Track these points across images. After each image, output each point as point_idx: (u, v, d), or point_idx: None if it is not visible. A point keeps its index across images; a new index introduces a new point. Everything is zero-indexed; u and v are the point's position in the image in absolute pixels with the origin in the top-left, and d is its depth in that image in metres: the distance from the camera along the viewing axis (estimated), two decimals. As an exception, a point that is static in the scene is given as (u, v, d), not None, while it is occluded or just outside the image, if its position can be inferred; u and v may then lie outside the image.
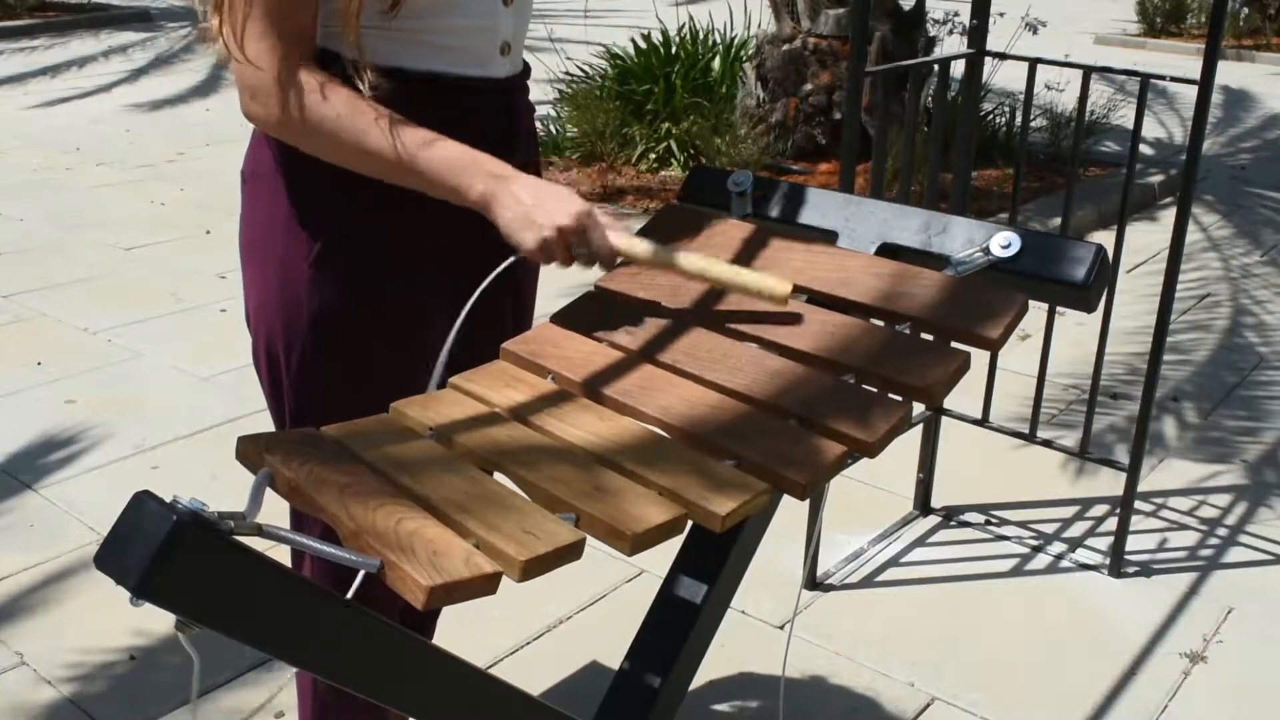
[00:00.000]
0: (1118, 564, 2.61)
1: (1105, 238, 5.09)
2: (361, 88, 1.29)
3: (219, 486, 2.88)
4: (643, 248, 1.30)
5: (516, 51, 1.44)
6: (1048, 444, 2.71)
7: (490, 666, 2.24)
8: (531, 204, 1.26)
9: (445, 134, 1.37)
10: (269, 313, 1.42)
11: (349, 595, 0.98)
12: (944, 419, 2.93)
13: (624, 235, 1.30)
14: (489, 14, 1.37)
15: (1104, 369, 3.63)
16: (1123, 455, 3.12)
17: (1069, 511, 2.88)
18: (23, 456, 3.00)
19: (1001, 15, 6.39)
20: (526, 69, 1.49)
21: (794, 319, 1.33)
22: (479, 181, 1.28)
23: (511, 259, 1.34)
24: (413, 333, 1.45)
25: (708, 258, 1.30)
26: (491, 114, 1.42)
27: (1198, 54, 10.52)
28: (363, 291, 1.40)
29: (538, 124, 1.62)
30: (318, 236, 1.39)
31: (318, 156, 1.31)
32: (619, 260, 1.31)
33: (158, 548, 0.83)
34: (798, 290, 1.37)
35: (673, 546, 1.30)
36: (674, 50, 6.08)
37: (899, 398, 1.21)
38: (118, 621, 2.35)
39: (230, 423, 3.22)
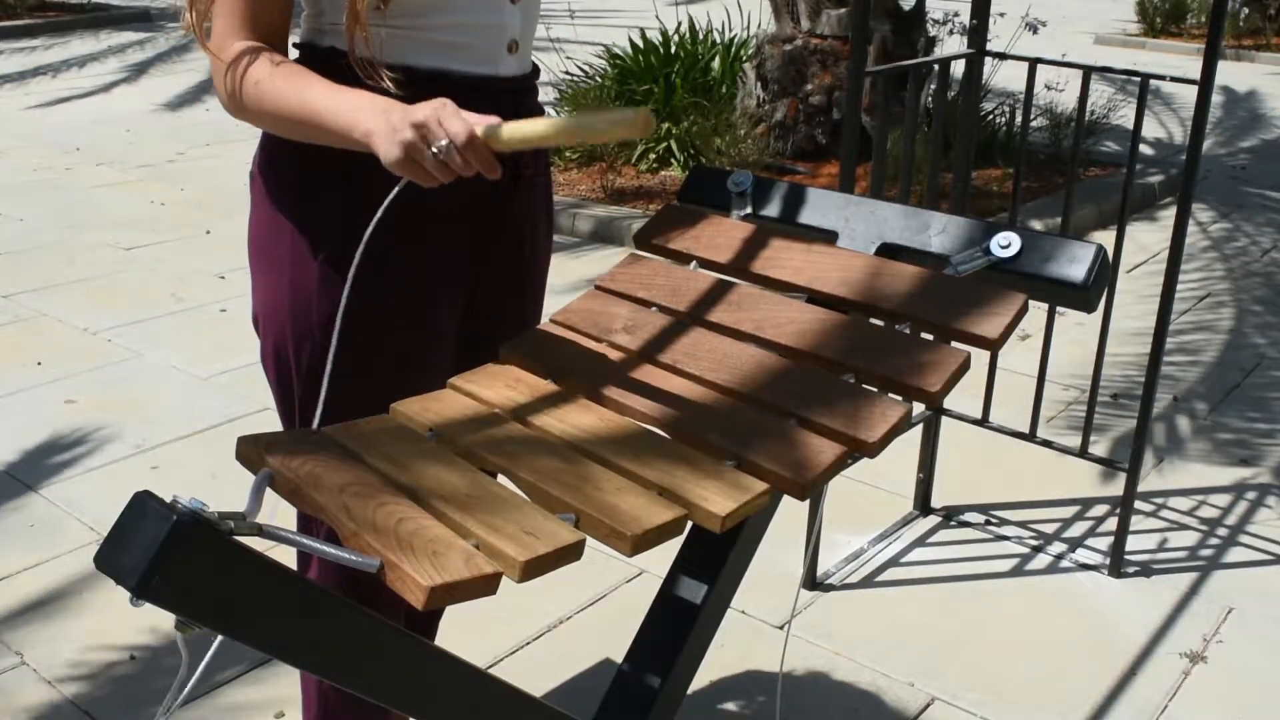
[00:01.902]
0: (1118, 564, 2.61)
1: (1105, 238, 5.09)
2: (383, 83, 1.29)
3: (219, 486, 2.88)
4: (501, 127, 1.19)
5: (525, 50, 1.44)
6: (1048, 444, 2.71)
7: (490, 666, 2.24)
8: (396, 117, 1.19)
9: None
10: (278, 314, 1.42)
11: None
12: (944, 419, 2.93)
13: (482, 117, 1.20)
14: (495, 11, 1.37)
15: (1104, 369, 3.63)
16: (1123, 455, 3.12)
17: (1069, 511, 2.88)
18: (23, 456, 3.00)
19: (1002, 15, 6.41)
20: (535, 70, 1.49)
21: (793, 318, 1.33)
22: (368, 120, 1.22)
23: (397, 187, 1.25)
24: (421, 332, 1.45)
25: (561, 119, 1.20)
26: (499, 113, 1.42)
27: (1198, 54, 10.52)
28: (372, 291, 1.40)
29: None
30: (326, 236, 1.39)
31: (264, 128, 1.33)
32: (480, 141, 1.19)
33: (158, 548, 0.83)
34: (797, 290, 1.37)
35: (673, 547, 1.31)
36: (674, 50, 6.08)
37: (899, 398, 1.21)
38: (118, 621, 2.35)
39: (230, 423, 3.22)
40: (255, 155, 1.45)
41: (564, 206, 5.11)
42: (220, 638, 0.92)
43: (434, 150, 1.17)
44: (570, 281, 4.33)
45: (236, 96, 1.30)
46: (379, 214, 1.27)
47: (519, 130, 1.18)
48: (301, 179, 1.38)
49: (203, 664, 1.15)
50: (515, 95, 1.44)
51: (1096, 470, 3.06)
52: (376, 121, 1.21)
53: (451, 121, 1.17)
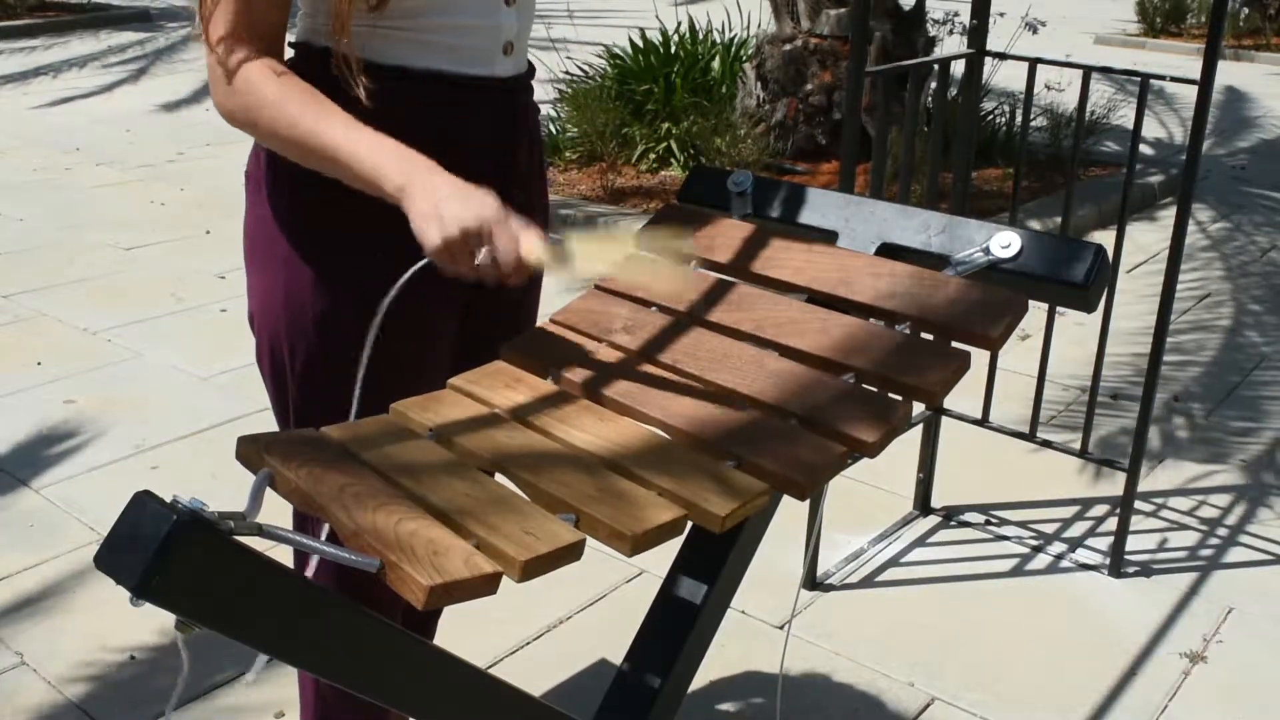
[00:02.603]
0: (1118, 564, 2.61)
1: (1105, 238, 5.09)
2: (356, 89, 1.29)
3: (219, 486, 2.88)
4: (549, 257, 1.19)
5: (520, 51, 1.44)
6: (1048, 444, 2.71)
7: (490, 666, 2.24)
8: (443, 199, 1.18)
9: (449, 133, 1.37)
10: (273, 313, 1.42)
11: (308, 574, 0.98)
12: (944, 419, 2.93)
13: (535, 242, 1.19)
14: (491, 13, 1.37)
15: (1104, 369, 3.63)
16: (1123, 455, 3.12)
17: (1069, 511, 2.88)
18: (23, 456, 3.00)
19: (1001, 15, 6.40)
20: (531, 69, 1.49)
21: (793, 318, 1.33)
22: (398, 174, 1.21)
23: (420, 263, 1.24)
24: (418, 333, 1.45)
25: (606, 256, 1.20)
26: (495, 113, 1.42)
27: (1198, 54, 10.52)
28: (367, 292, 1.40)
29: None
30: (321, 236, 1.39)
31: (268, 146, 1.31)
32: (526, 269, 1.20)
33: (157, 548, 0.83)
34: (797, 290, 1.37)
35: (673, 547, 1.31)
36: (674, 50, 6.08)
37: (899, 398, 1.21)
38: (118, 621, 2.35)
39: (230, 423, 3.22)
40: (250, 155, 1.45)
41: (564, 206, 5.11)
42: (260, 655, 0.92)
43: (477, 259, 1.18)
44: (569, 281, 4.33)
45: (240, 111, 1.27)
46: (394, 290, 1.26)
47: (562, 265, 1.19)
48: (296, 179, 1.38)
49: (185, 666, 1.15)
50: (511, 95, 1.44)
51: (1096, 470, 3.06)
52: (413, 185, 1.20)
53: (503, 241, 1.17)
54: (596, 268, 1.22)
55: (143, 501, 0.86)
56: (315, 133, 1.24)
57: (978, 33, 2.60)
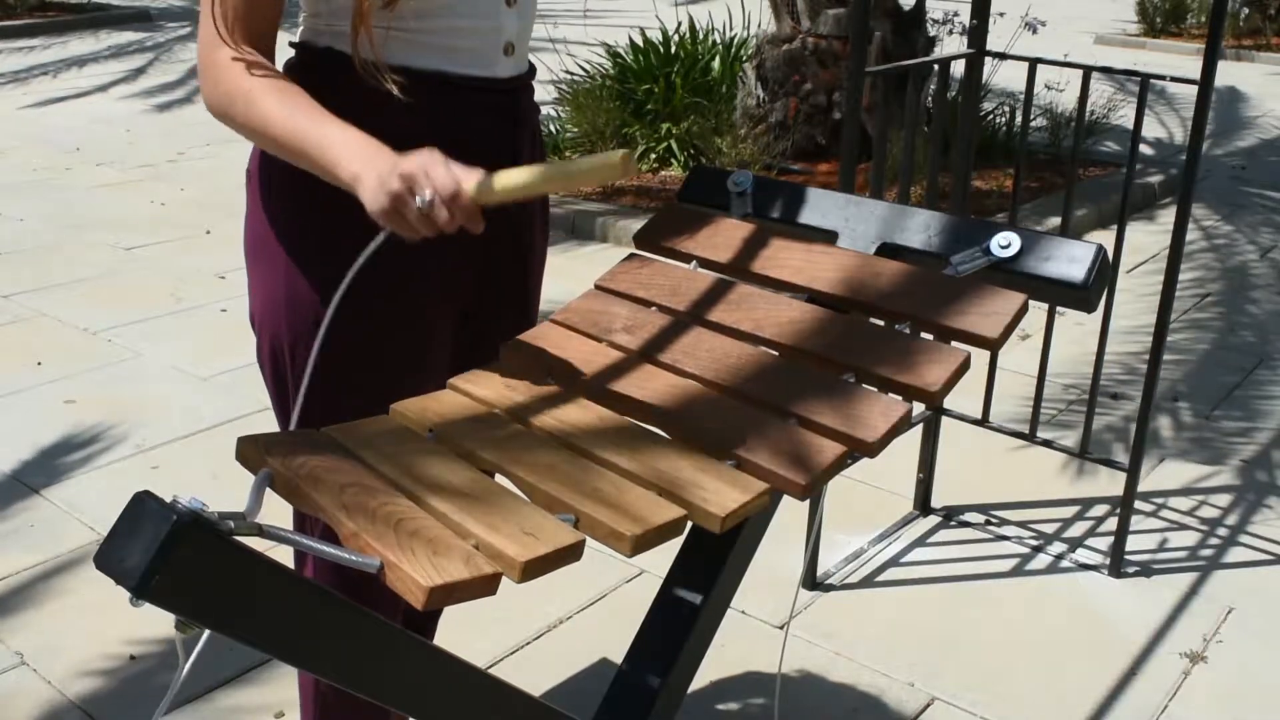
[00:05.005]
0: (1118, 564, 2.61)
1: (1105, 238, 5.09)
2: (386, 85, 1.29)
3: (219, 486, 2.88)
4: (489, 179, 1.18)
5: (521, 52, 1.44)
6: (1048, 444, 2.71)
7: (490, 666, 2.24)
8: (387, 165, 1.18)
9: (450, 134, 1.37)
10: (274, 312, 1.42)
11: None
12: (944, 419, 2.93)
13: (470, 171, 1.18)
14: (491, 14, 1.37)
15: (1104, 369, 3.63)
16: (1123, 455, 3.12)
17: (1069, 511, 2.88)
18: (23, 456, 3.00)
19: (1001, 15, 6.41)
20: (532, 69, 1.49)
21: (793, 318, 1.33)
22: (354, 162, 1.21)
23: (379, 237, 1.24)
24: (419, 333, 1.45)
25: (546, 166, 1.18)
26: (496, 114, 1.42)
27: (1198, 54, 10.53)
28: (371, 293, 1.40)
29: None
30: (323, 236, 1.39)
31: (246, 139, 1.32)
32: (465, 197, 1.17)
33: (158, 548, 0.83)
34: (797, 290, 1.37)
35: (673, 546, 1.31)
36: (674, 50, 6.08)
37: (899, 398, 1.21)
38: (118, 621, 2.35)
39: (230, 423, 3.22)
40: (251, 154, 1.45)
41: (563, 206, 5.11)
42: (206, 633, 0.91)
43: (418, 203, 1.16)
44: (569, 281, 4.33)
45: (225, 105, 1.29)
46: (357, 264, 1.26)
47: (507, 182, 1.17)
48: (297, 178, 1.38)
49: (188, 664, 1.15)
50: (512, 96, 1.44)
51: (1096, 470, 3.06)
52: (364, 167, 1.20)
53: (437, 174, 1.16)
54: (519, 179, 1.18)
55: (143, 501, 0.86)
56: (284, 125, 1.25)
57: (978, 33, 2.60)
